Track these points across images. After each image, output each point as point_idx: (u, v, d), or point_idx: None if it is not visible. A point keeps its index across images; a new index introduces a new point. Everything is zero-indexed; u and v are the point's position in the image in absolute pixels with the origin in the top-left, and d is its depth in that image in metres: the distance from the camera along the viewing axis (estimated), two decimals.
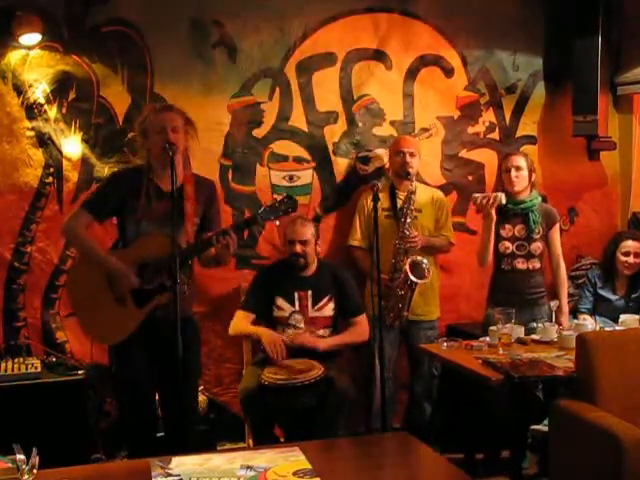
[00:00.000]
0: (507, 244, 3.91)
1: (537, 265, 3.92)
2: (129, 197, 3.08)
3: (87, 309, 3.15)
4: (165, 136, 3.02)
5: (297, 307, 3.74)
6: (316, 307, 3.75)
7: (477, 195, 3.91)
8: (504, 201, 3.81)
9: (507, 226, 3.91)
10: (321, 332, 3.75)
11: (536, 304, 3.89)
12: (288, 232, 3.79)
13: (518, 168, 3.88)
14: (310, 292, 3.76)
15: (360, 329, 3.80)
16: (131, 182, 3.10)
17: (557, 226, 4.01)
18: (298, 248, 3.73)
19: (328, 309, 3.77)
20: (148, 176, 3.10)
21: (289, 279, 3.78)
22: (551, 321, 3.89)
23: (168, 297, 2.98)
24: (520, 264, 3.90)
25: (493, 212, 3.82)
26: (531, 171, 3.93)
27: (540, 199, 3.98)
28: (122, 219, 3.14)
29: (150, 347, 3.07)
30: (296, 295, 3.75)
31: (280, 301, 3.75)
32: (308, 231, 3.76)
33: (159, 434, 3.32)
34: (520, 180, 3.88)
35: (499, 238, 3.91)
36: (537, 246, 3.91)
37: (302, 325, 3.73)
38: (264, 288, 3.79)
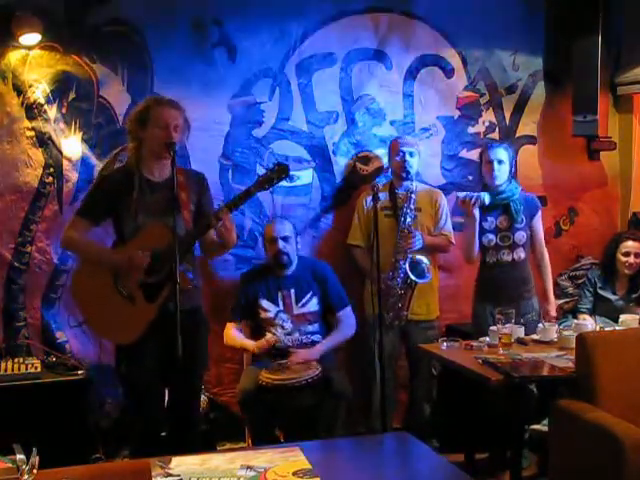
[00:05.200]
0: (490, 236, 3.91)
1: (522, 255, 3.92)
2: (121, 195, 3.06)
3: (97, 313, 3.13)
4: (168, 133, 3.01)
5: (281, 306, 3.79)
6: (300, 304, 3.81)
7: (461, 195, 3.90)
8: (487, 202, 3.81)
9: (489, 218, 3.91)
10: (310, 328, 3.80)
11: (522, 298, 3.89)
12: (268, 231, 3.87)
13: (500, 161, 3.88)
14: (293, 290, 3.82)
15: (346, 324, 3.86)
16: (120, 181, 3.10)
17: (539, 214, 4.02)
18: (280, 244, 3.78)
19: (312, 304, 3.83)
20: (139, 170, 3.09)
21: (271, 280, 3.84)
22: (539, 315, 3.92)
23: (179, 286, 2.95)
24: (505, 255, 3.91)
25: (476, 212, 3.82)
26: (512, 163, 3.94)
27: (520, 188, 3.98)
28: (117, 218, 3.12)
29: (163, 340, 3.03)
30: (279, 295, 3.81)
31: (265, 303, 3.81)
32: (287, 227, 3.83)
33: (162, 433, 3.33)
34: (501, 174, 3.88)
35: (482, 231, 3.91)
36: (521, 235, 3.91)
37: (289, 324, 3.78)
38: (247, 295, 3.84)
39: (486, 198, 3.81)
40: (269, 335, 3.69)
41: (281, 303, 3.81)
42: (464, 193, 3.92)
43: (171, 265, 2.91)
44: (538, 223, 4.02)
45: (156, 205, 3.04)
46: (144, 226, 3.06)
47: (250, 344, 3.75)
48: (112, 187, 3.12)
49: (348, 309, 3.89)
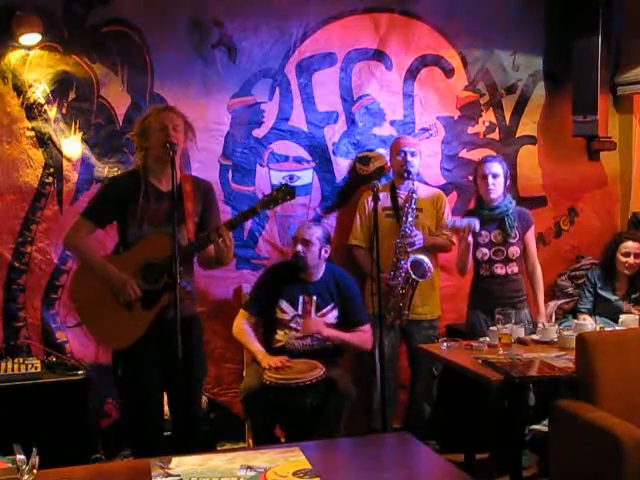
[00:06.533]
0: (484, 250, 3.94)
1: (515, 269, 3.95)
2: (128, 201, 3.07)
3: (94, 316, 3.13)
4: (166, 133, 3.02)
5: (300, 311, 3.74)
6: (319, 313, 3.75)
7: (450, 223, 3.88)
8: (477, 229, 3.80)
9: (483, 232, 3.92)
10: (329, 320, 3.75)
11: (515, 308, 3.86)
12: (295, 231, 3.85)
13: (495, 175, 3.90)
14: (315, 298, 3.75)
15: (365, 336, 3.79)
16: (128, 186, 3.10)
17: (532, 229, 4.05)
18: (299, 247, 3.73)
19: (331, 316, 3.76)
20: (145, 178, 3.10)
21: (295, 282, 3.78)
22: (532, 324, 3.91)
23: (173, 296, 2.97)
24: (499, 269, 3.93)
25: (469, 238, 3.82)
26: (506, 177, 3.95)
27: (514, 203, 4.00)
28: (123, 223, 3.13)
29: (160, 347, 3.05)
30: (300, 299, 3.75)
31: (284, 304, 3.75)
32: (313, 233, 3.75)
33: (166, 433, 3.33)
34: (497, 188, 3.91)
35: (476, 245, 3.92)
36: (515, 250, 3.94)
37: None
38: (269, 289, 3.79)
39: (477, 225, 3.78)
40: (284, 358, 3.59)
41: (300, 308, 3.74)
42: (452, 220, 3.90)
43: (169, 275, 2.94)
44: (531, 237, 4.05)
45: (161, 214, 3.05)
46: (146, 234, 3.07)
47: (262, 355, 3.64)
48: (119, 192, 3.13)
49: (368, 326, 3.79)
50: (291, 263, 3.79)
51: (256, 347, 3.71)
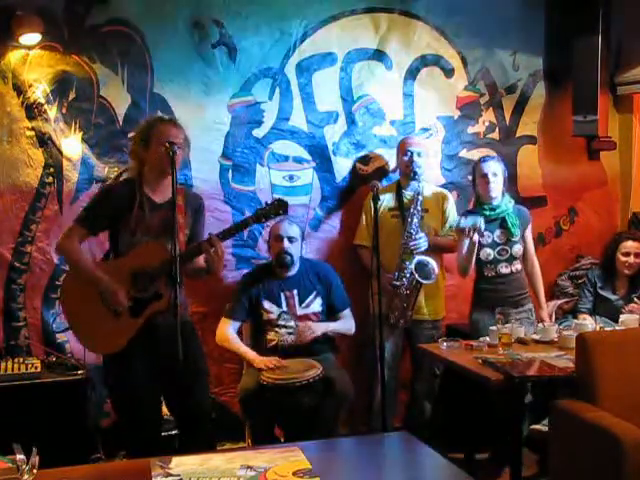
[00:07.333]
0: (488, 251, 3.92)
1: (519, 267, 3.96)
2: (122, 210, 3.06)
3: (81, 320, 3.12)
4: (171, 150, 2.99)
5: (285, 307, 3.77)
6: (303, 305, 3.79)
7: (456, 223, 3.89)
8: (483, 227, 3.79)
9: (485, 233, 3.90)
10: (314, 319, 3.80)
11: (519, 305, 3.90)
12: (275, 229, 3.85)
13: (494, 174, 3.89)
14: (296, 291, 3.80)
15: (349, 322, 3.87)
16: (123, 195, 3.09)
17: (530, 227, 4.05)
18: (286, 243, 3.76)
19: (316, 304, 3.81)
20: (140, 188, 3.10)
21: (273, 281, 3.82)
22: (533, 314, 3.96)
23: (165, 304, 2.99)
24: (504, 268, 3.92)
25: (475, 237, 3.81)
26: (505, 176, 3.95)
27: (512, 202, 4.00)
28: (115, 231, 3.12)
29: (152, 353, 3.05)
30: (282, 296, 3.79)
31: (267, 304, 3.78)
32: (295, 229, 3.82)
33: (172, 432, 3.37)
34: (497, 186, 3.89)
35: (479, 246, 3.90)
36: (518, 248, 3.94)
37: (292, 323, 3.76)
38: (249, 294, 3.82)
39: (482, 224, 3.78)
40: (275, 359, 3.62)
41: (284, 304, 3.78)
42: (458, 220, 3.88)
43: (160, 283, 2.98)
44: (529, 234, 4.05)
45: (154, 226, 3.05)
46: (139, 242, 3.06)
47: (254, 357, 3.66)
48: (115, 201, 3.11)
49: (349, 310, 3.89)
50: (278, 261, 3.80)
51: (245, 350, 3.74)
